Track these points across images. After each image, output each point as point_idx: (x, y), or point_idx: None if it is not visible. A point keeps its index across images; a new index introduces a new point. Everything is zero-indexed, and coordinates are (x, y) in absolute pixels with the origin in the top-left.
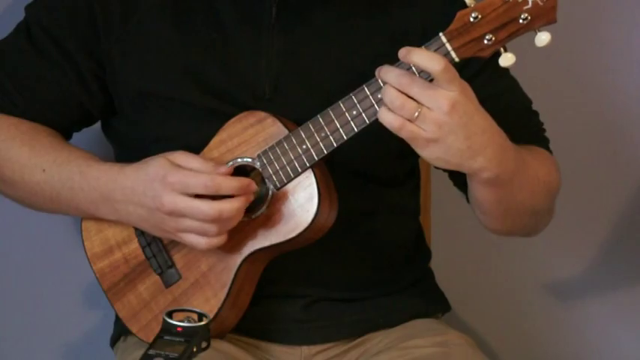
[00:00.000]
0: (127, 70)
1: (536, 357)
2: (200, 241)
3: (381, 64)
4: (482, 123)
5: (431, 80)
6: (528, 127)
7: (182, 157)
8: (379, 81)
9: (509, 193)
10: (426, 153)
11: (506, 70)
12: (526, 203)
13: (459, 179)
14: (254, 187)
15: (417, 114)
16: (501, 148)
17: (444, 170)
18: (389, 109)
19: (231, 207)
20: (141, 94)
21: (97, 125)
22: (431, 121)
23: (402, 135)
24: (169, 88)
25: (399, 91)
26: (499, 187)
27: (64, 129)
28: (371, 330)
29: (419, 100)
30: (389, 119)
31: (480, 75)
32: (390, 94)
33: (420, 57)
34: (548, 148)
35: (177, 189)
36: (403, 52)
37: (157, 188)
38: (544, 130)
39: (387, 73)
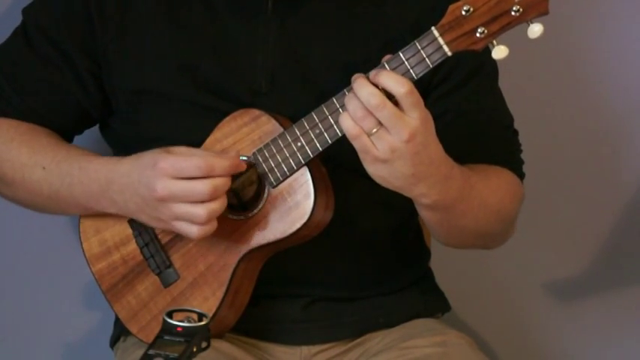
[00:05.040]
0: (123, 68)
1: (536, 357)
2: (192, 229)
3: (376, 59)
4: (433, 153)
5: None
6: (501, 147)
7: (181, 148)
8: None
9: (450, 217)
10: (372, 169)
11: (492, 85)
12: (470, 227)
13: None
14: (243, 165)
15: (375, 130)
16: (445, 178)
17: None
18: (350, 115)
19: (224, 182)
20: (137, 91)
21: (97, 127)
22: (386, 143)
23: (355, 144)
24: (165, 85)
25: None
26: (439, 212)
27: (64, 131)
28: (371, 330)
29: (382, 122)
30: (347, 125)
31: (462, 87)
32: (354, 104)
33: (386, 79)
34: (518, 170)
35: (170, 173)
36: (372, 73)
37: (149, 175)
38: (519, 152)
39: (360, 88)
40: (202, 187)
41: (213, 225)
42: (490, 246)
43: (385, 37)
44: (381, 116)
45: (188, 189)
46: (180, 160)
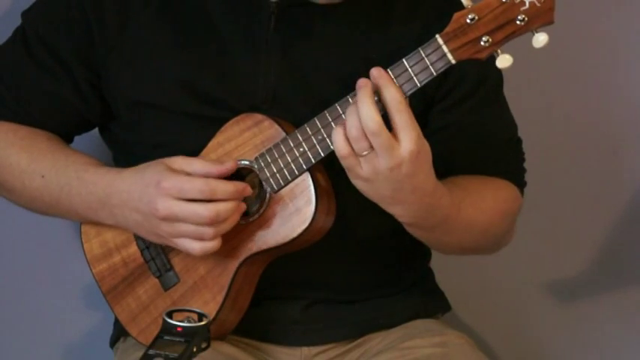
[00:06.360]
0: (122, 80)
1: (536, 357)
2: (194, 246)
3: None
4: (418, 184)
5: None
6: (502, 160)
7: (181, 161)
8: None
9: (429, 235)
10: (353, 182)
11: (496, 96)
12: (453, 244)
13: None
14: (249, 190)
15: (365, 153)
16: (426, 206)
17: None
18: (343, 134)
19: (227, 207)
20: (137, 103)
21: (97, 129)
22: (372, 165)
23: (341, 162)
24: (165, 99)
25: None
26: (417, 229)
27: (64, 134)
28: (371, 330)
29: (374, 147)
30: (339, 143)
31: (466, 101)
32: (352, 121)
33: (386, 87)
34: (518, 181)
35: (172, 194)
36: (375, 70)
37: (151, 193)
38: (522, 161)
39: (362, 106)
40: (204, 211)
41: (218, 242)
42: (480, 254)
43: (388, 50)
44: (374, 141)
45: (190, 211)
46: (184, 181)
